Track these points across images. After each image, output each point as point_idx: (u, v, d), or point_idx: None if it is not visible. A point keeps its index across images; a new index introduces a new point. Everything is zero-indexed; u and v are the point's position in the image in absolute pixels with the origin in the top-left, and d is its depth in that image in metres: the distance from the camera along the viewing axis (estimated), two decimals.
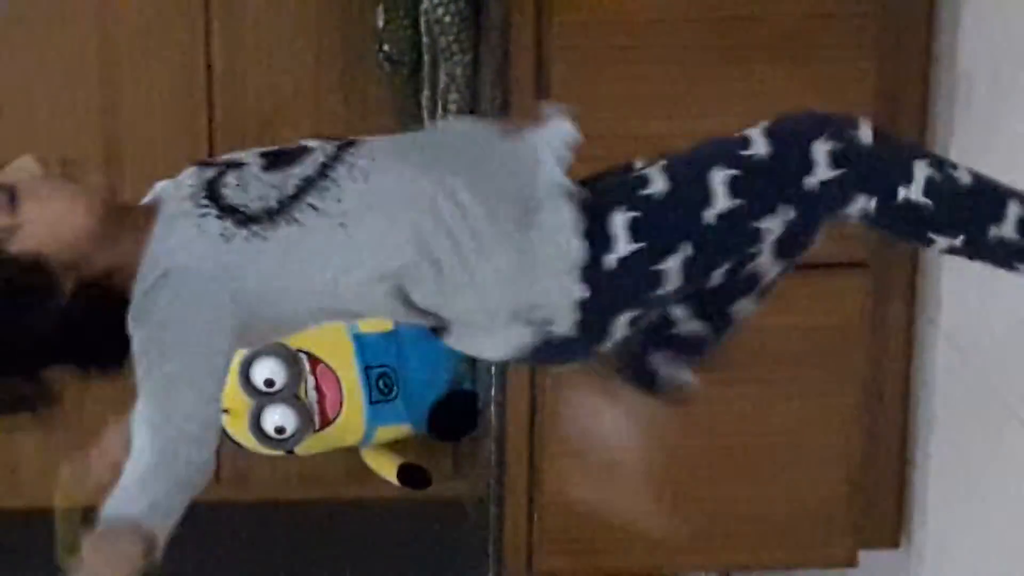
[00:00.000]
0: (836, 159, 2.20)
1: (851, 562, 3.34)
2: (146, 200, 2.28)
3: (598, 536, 3.31)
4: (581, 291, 2.21)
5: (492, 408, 3.20)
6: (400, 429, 3.57)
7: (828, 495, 3.29)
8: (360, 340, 3.42)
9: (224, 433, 3.36)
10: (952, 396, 3.26)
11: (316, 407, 3.49)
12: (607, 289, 2.22)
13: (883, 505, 3.38)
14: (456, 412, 3.49)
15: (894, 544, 3.38)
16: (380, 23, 3.38)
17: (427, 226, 2.17)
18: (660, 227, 2.21)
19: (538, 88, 3.12)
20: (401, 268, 2.18)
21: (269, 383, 3.35)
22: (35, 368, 2.18)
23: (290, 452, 3.48)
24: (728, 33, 3.12)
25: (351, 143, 2.26)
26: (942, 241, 2.24)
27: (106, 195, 2.18)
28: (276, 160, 2.24)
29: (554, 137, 2.31)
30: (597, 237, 2.20)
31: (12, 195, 2.12)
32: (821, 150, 2.19)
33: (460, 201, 2.19)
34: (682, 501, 3.23)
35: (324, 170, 2.21)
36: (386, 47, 3.40)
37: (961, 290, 3.13)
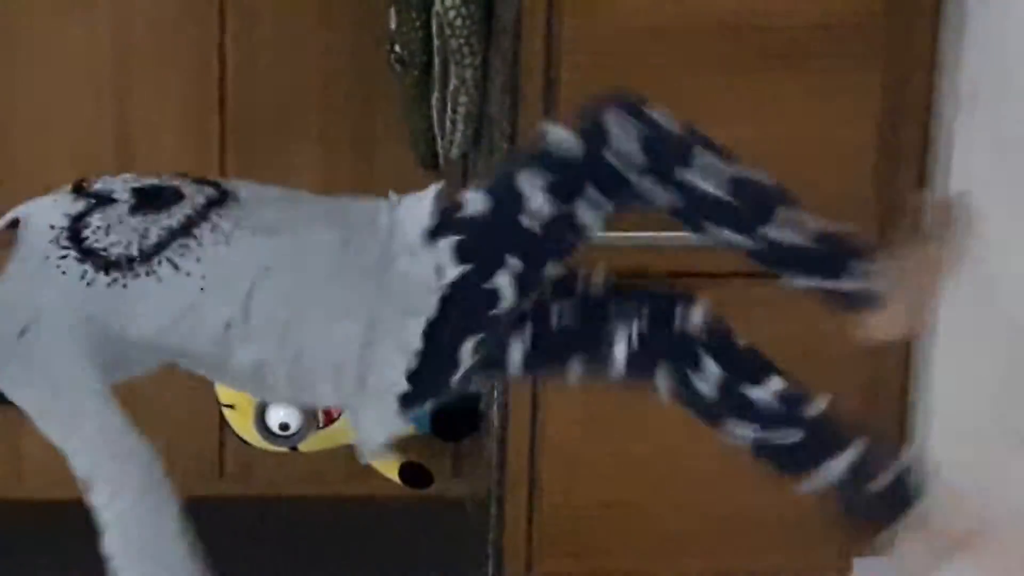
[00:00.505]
0: (644, 143, 2.23)
1: (846, 568, 3.34)
2: (8, 217, 2.31)
3: (597, 538, 3.35)
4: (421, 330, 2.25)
5: (494, 409, 3.22)
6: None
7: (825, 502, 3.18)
8: None
9: (229, 429, 3.43)
10: (947, 411, 3.26)
11: None
12: (447, 317, 2.26)
13: None
14: (458, 413, 3.49)
15: (887, 552, 3.26)
16: (392, 24, 3.40)
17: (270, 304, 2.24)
18: (483, 246, 2.27)
19: (547, 92, 3.13)
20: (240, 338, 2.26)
21: None
22: None
23: (294, 449, 3.50)
24: (736, 42, 3.12)
25: (221, 199, 2.29)
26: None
27: None
28: (145, 203, 2.27)
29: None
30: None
31: None
32: (615, 125, 2.23)
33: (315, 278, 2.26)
34: (682, 505, 3.30)
35: (189, 225, 2.25)
36: (398, 48, 3.41)
37: (954, 315, 3.07)
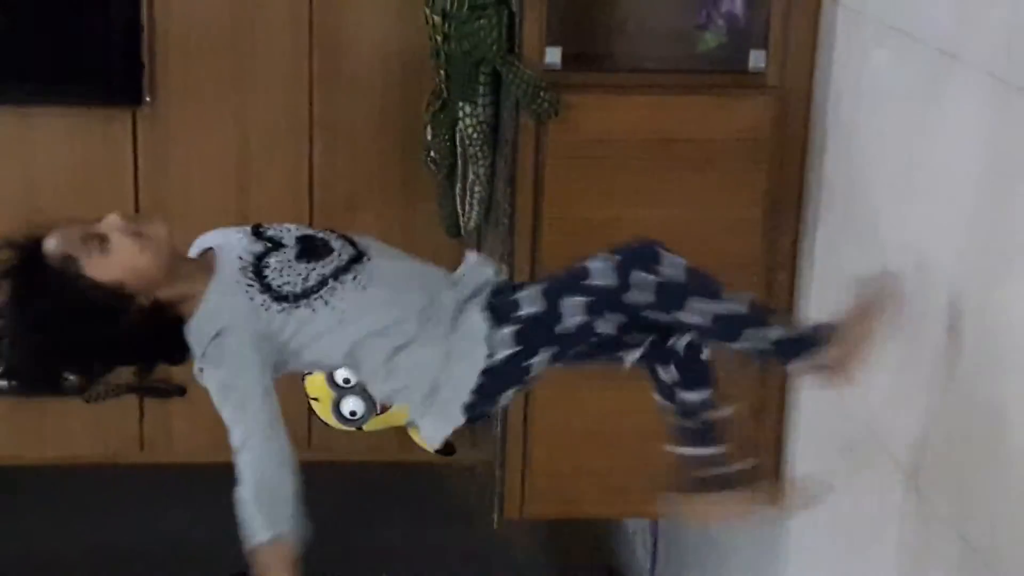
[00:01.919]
0: (657, 289, 2.57)
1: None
2: (204, 247, 2.60)
3: (571, 490, 3.79)
4: (479, 379, 2.59)
5: None
6: None
7: None
8: None
9: (315, 415, 3.69)
10: (815, 410, 3.61)
11: None
12: (494, 376, 2.61)
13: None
14: None
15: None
16: (428, 137, 3.80)
17: (394, 331, 2.60)
18: (532, 336, 2.60)
19: (535, 184, 3.55)
20: (367, 350, 2.59)
21: (347, 381, 3.62)
22: (111, 359, 2.53)
23: (360, 428, 3.76)
24: (665, 150, 3.55)
25: (359, 257, 2.59)
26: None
27: (167, 244, 2.51)
28: (307, 251, 2.57)
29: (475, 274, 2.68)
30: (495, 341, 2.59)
31: (103, 242, 2.47)
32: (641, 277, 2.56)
33: (413, 319, 2.60)
34: (631, 467, 3.68)
35: (338, 274, 2.56)
36: (432, 154, 3.79)
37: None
